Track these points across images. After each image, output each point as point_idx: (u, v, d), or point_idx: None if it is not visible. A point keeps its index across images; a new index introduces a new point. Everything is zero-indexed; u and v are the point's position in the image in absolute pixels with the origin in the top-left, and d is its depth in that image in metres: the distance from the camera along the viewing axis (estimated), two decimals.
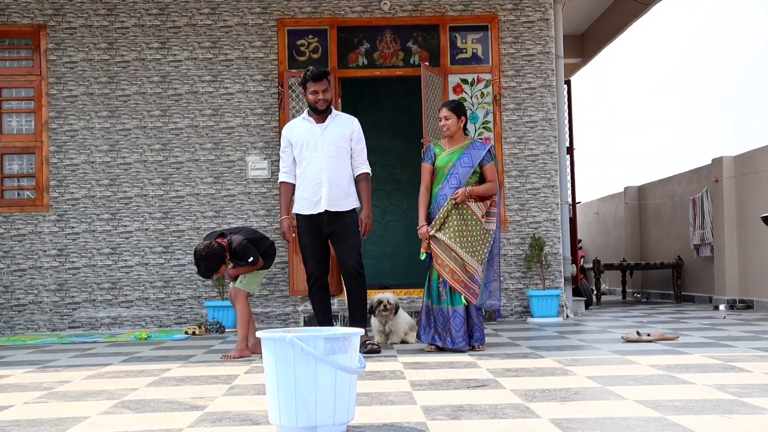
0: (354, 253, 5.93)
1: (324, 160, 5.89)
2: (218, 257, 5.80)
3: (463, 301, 5.81)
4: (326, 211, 5.88)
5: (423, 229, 5.88)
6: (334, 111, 6.05)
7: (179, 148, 8.81)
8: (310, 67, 6.01)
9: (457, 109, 6.02)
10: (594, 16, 12.21)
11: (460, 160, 5.94)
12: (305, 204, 5.93)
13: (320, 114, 5.95)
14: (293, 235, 6.06)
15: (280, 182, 6.08)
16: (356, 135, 6.03)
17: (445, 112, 5.99)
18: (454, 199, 5.80)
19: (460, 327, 5.79)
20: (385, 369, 5.02)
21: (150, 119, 8.83)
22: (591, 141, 32.99)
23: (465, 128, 6.11)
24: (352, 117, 6.12)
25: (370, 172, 6.09)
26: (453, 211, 5.83)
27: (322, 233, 5.94)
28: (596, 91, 35.06)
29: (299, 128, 6.01)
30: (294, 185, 6.02)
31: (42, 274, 8.71)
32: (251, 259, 5.88)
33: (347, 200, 5.96)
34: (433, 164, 6.00)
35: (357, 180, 6.04)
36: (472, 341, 5.86)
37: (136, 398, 4.20)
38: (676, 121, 32.32)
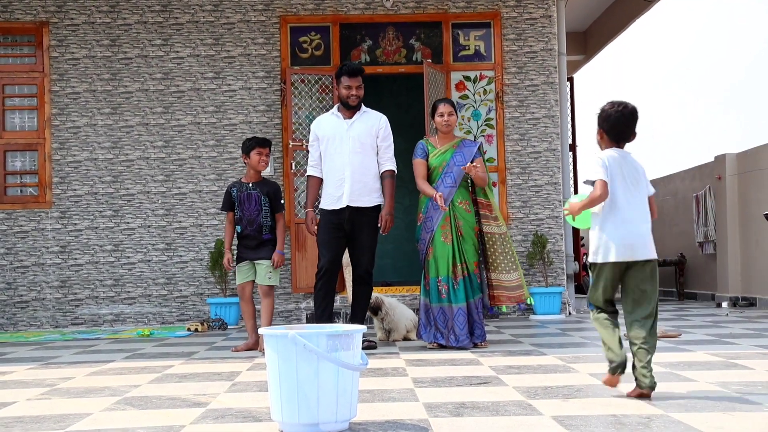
0: (368, 253, 5.95)
1: (348, 156, 5.90)
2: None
3: (464, 298, 5.80)
4: (348, 206, 5.89)
5: (438, 196, 5.79)
6: (363, 107, 6.06)
7: (182, 145, 8.82)
8: (347, 62, 6.05)
9: (455, 105, 6.07)
10: (597, 13, 12.19)
11: (454, 159, 5.93)
12: (329, 199, 5.96)
13: (350, 110, 5.99)
14: (314, 227, 6.05)
15: (308, 176, 6.12)
16: (383, 132, 6.03)
17: (448, 107, 5.97)
18: (474, 167, 5.74)
19: (463, 324, 5.78)
20: (388, 366, 5.02)
21: (152, 116, 8.83)
22: (593, 138, 32.88)
23: None
24: (381, 114, 6.12)
25: (395, 170, 6.07)
26: (467, 239, 5.83)
27: (342, 230, 5.94)
28: (599, 88, 35.02)
29: (327, 123, 6.05)
30: (320, 179, 6.05)
31: (45, 271, 8.72)
32: (282, 201, 6.17)
33: (370, 197, 5.95)
34: (426, 160, 5.98)
35: (382, 177, 6.04)
36: (474, 338, 5.85)
37: (138, 395, 4.21)
38: (678, 119, 32.29)
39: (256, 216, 6.03)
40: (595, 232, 3.84)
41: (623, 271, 3.79)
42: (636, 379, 3.71)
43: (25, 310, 8.69)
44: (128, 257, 8.75)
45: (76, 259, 8.73)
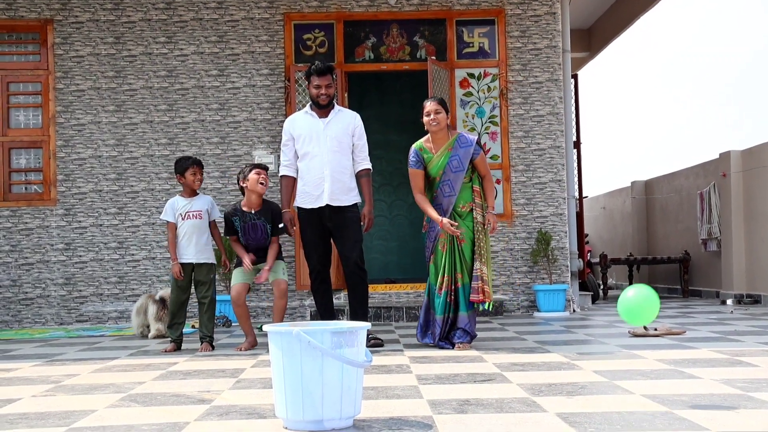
0: (356, 247, 5.92)
1: (327, 155, 5.87)
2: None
3: (444, 311, 5.72)
4: (327, 205, 5.88)
5: (445, 220, 5.67)
6: (336, 106, 6.02)
7: (186, 143, 8.82)
8: (316, 62, 6.01)
9: (444, 103, 5.85)
10: (601, 10, 12.18)
11: (450, 165, 5.76)
12: (307, 198, 5.93)
13: (322, 109, 5.94)
14: (294, 228, 6.06)
15: (282, 176, 6.07)
16: (358, 131, 6.01)
17: (434, 105, 5.76)
18: (492, 231, 5.76)
19: (439, 332, 5.77)
20: (392, 363, 5.02)
21: (157, 114, 8.83)
22: (598, 135, 32.95)
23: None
24: (354, 113, 6.10)
25: (371, 168, 6.08)
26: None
27: (323, 227, 5.94)
28: (603, 85, 34.98)
29: (302, 122, 5.99)
30: (295, 179, 6.03)
31: (50, 268, 8.73)
32: (280, 225, 6.03)
33: (348, 195, 5.94)
34: (425, 168, 5.83)
35: (358, 176, 6.02)
36: (455, 338, 5.68)
37: (143, 392, 4.21)
38: (683, 116, 32.24)
39: (263, 242, 6.08)
40: None
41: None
42: None
43: (30, 307, 8.71)
44: (132, 254, 8.76)
45: (80, 256, 8.74)
